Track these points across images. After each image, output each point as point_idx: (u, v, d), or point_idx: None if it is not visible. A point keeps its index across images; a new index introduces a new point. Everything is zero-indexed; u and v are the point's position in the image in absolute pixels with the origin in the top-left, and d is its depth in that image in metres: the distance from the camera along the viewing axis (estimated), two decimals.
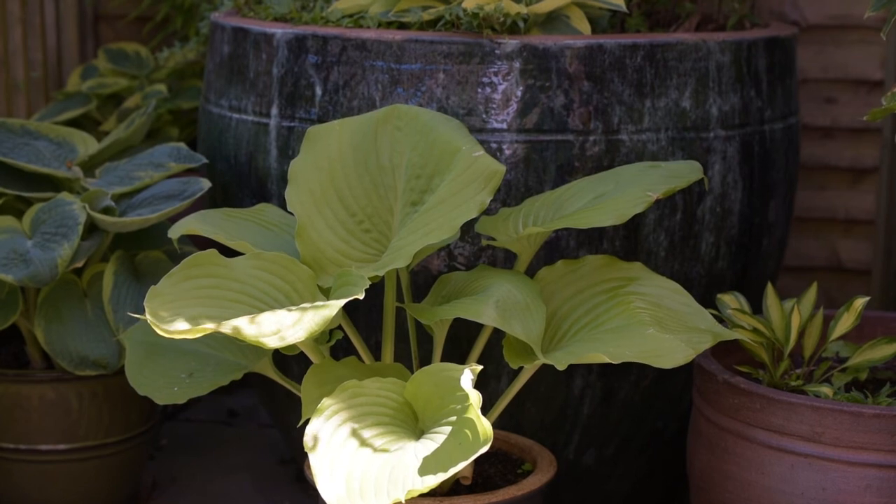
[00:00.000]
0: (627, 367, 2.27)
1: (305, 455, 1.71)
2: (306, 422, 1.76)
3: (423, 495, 1.69)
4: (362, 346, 2.01)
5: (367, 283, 1.79)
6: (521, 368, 1.93)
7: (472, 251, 2.20)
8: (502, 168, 1.92)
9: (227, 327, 1.68)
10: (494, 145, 2.17)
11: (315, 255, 1.92)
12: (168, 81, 3.27)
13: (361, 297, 1.76)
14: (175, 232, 1.97)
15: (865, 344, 2.12)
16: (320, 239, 1.93)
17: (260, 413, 3.04)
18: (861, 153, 2.96)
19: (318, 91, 2.25)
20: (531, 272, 2.07)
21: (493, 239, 2.04)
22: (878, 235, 2.96)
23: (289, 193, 1.95)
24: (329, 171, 1.96)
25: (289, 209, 1.95)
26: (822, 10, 2.94)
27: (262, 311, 1.76)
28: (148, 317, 1.68)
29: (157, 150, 2.50)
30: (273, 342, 1.68)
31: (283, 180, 2.27)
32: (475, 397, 1.69)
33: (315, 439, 1.70)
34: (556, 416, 2.29)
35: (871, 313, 2.30)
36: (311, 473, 1.73)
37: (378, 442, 1.72)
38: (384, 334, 1.98)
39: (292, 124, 2.27)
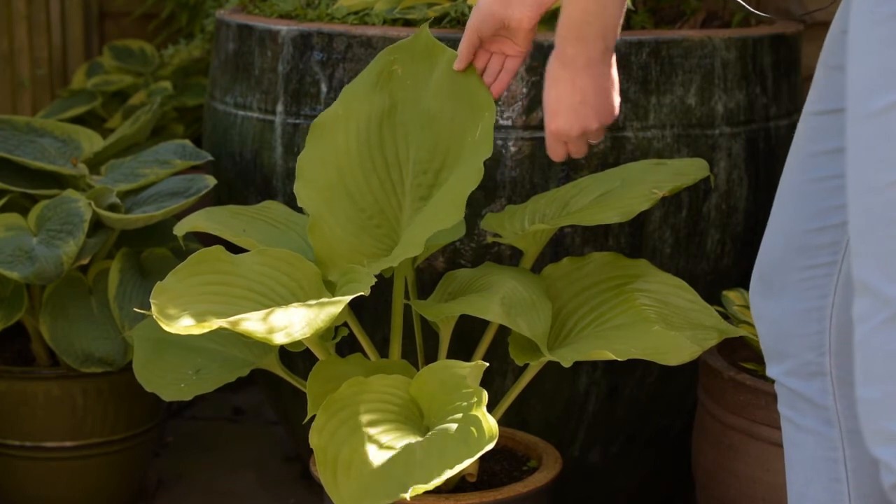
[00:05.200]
0: (633, 364, 2.26)
1: (311, 452, 1.71)
2: (312, 418, 1.76)
3: (427, 492, 1.68)
4: (368, 342, 2.00)
5: (373, 280, 1.79)
6: (526, 365, 1.93)
7: (478, 249, 2.20)
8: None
9: (233, 324, 1.68)
10: (500, 142, 2.17)
11: (329, 253, 1.91)
12: (173, 78, 3.27)
13: (367, 293, 1.76)
14: (180, 229, 1.97)
15: None
16: (332, 235, 1.92)
17: (265, 410, 3.04)
18: None
19: (324, 88, 2.24)
20: (537, 269, 2.07)
21: (499, 235, 2.04)
22: None
23: (298, 189, 1.93)
24: (337, 166, 1.96)
25: (300, 205, 1.93)
26: (827, 7, 2.93)
27: (269, 307, 1.75)
28: (154, 313, 1.68)
29: (162, 147, 2.50)
30: (280, 338, 1.68)
31: (288, 177, 2.27)
32: (481, 394, 1.69)
33: (320, 436, 1.70)
34: (562, 414, 2.29)
35: None
36: (316, 470, 1.73)
37: (383, 439, 1.72)
38: (392, 331, 1.98)
39: (297, 121, 2.27)
